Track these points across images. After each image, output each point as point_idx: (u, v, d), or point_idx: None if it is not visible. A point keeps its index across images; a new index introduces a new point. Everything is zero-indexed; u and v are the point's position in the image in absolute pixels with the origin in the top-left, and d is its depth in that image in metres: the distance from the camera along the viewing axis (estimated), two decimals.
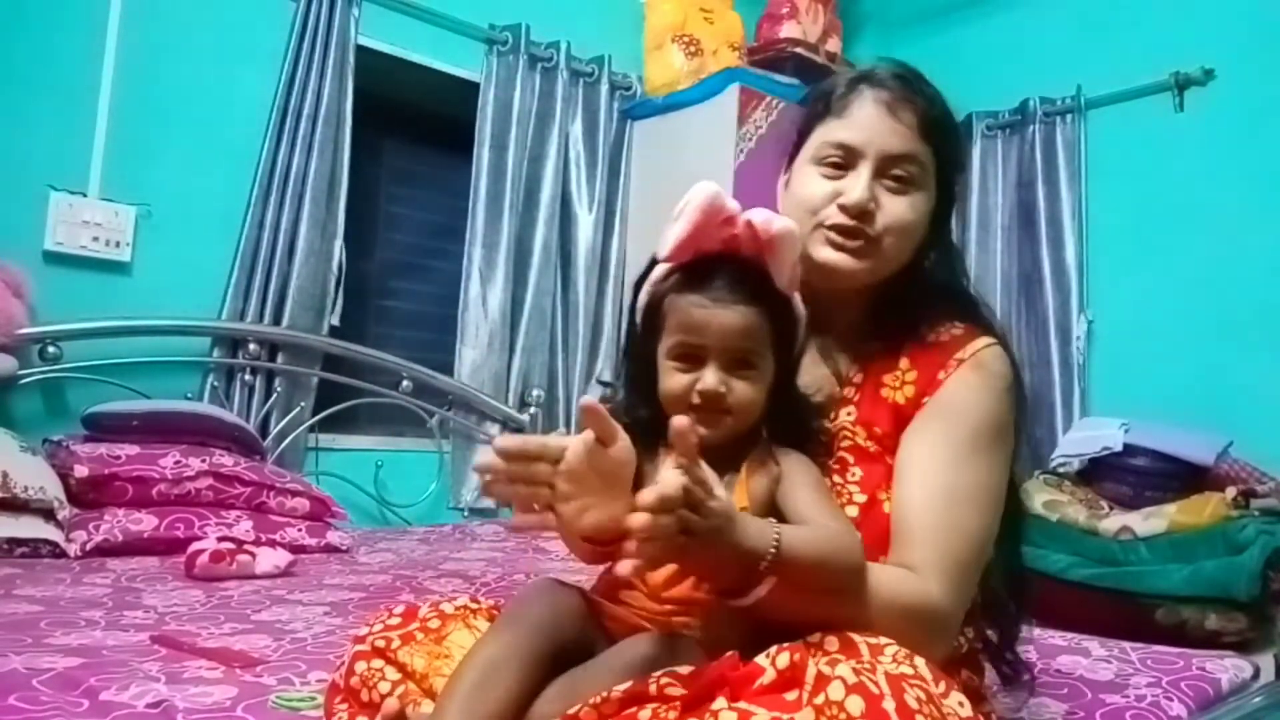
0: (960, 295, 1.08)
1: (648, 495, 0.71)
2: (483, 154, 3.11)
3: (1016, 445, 1.02)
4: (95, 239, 2.42)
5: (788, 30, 3.48)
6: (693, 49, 3.37)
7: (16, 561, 1.87)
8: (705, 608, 0.86)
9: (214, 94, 2.63)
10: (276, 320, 2.67)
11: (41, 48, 2.37)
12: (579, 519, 0.84)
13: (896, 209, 1.01)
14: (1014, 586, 1.07)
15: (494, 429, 3.08)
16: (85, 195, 2.42)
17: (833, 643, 0.79)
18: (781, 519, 0.88)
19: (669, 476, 0.74)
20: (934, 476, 0.94)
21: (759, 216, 0.90)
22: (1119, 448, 2.75)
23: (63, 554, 1.94)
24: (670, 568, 0.85)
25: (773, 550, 0.79)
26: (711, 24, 3.43)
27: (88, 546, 1.95)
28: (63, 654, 1.21)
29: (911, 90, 1.03)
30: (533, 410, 3.16)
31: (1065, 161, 3.39)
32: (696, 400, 0.90)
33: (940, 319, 1.04)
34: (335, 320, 2.81)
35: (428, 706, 0.84)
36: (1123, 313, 3.22)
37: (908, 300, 1.05)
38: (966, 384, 0.99)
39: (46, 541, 1.94)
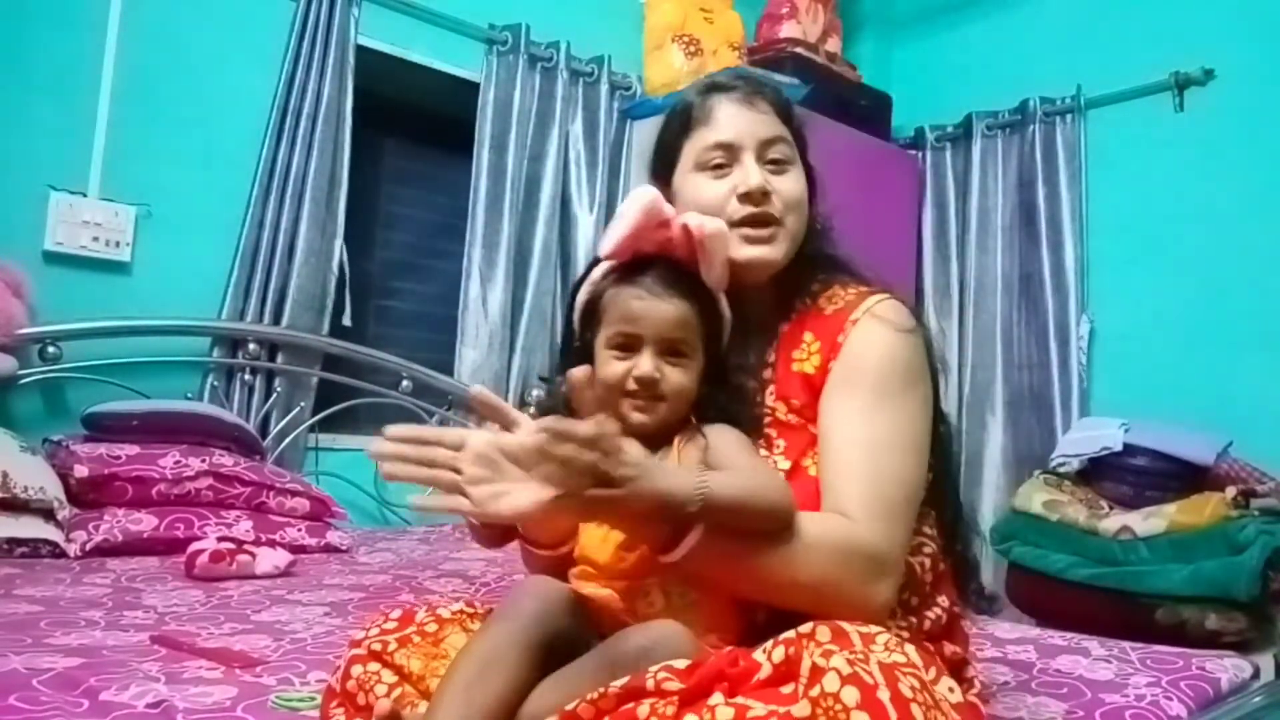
0: (842, 263, 1.15)
1: (551, 422, 0.79)
2: (483, 154, 3.11)
3: (934, 384, 1.06)
4: (95, 239, 2.41)
5: (787, 30, 3.49)
6: (693, 49, 3.37)
7: (16, 561, 1.87)
8: (658, 575, 0.91)
9: (214, 94, 2.63)
10: (276, 320, 2.67)
11: (41, 48, 2.37)
12: (495, 503, 0.85)
13: (787, 186, 1.08)
14: (955, 521, 1.11)
15: (494, 429, 3.07)
16: (85, 195, 2.41)
17: (824, 633, 0.79)
18: None
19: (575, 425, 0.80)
20: (850, 430, 0.98)
21: (693, 220, 0.98)
22: (1119, 448, 2.76)
23: (63, 554, 1.94)
24: (610, 544, 0.92)
25: (700, 491, 0.84)
26: (711, 24, 3.43)
27: (88, 546, 1.95)
28: (63, 654, 1.21)
29: (757, 83, 1.12)
30: (532, 410, 3.15)
31: (1065, 161, 3.39)
32: (632, 386, 0.96)
33: (833, 287, 1.10)
34: (346, 320, 2.81)
35: (424, 708, 0.85)
36: (1123, 313, 3.22)
37: (802, 276, 1.10)
38: (863, 338, 1.03)
39: (46, 541, 1.94)
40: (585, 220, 3.32)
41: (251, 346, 2.62)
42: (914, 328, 1.05)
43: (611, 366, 0.97)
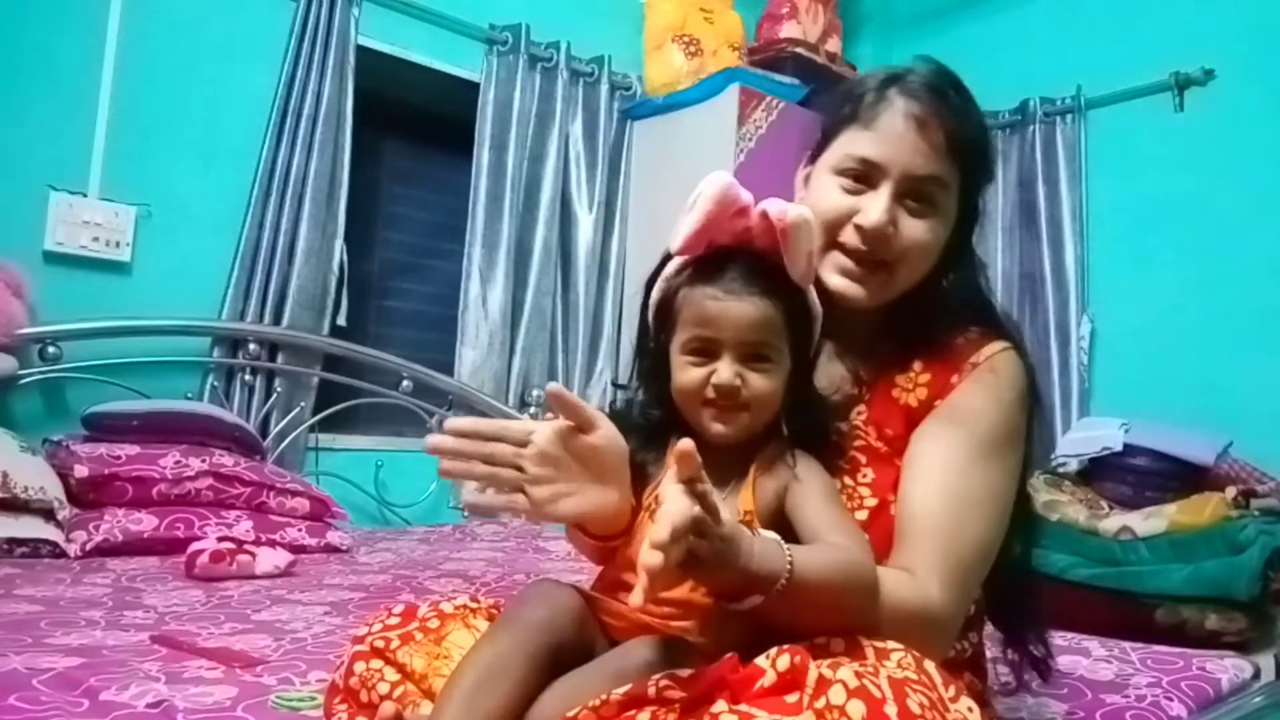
0: (976, 301, 1.06)
1: (660, 531, 0.69)
2: (483, 154, 3.11)
3: (1028, 451, 1.00)
4: (95, 239, 2.42)
5: (788, 30, 3.48)
6: (693, 49, 3.37)
7: (16, 561, 1.87)
8: (703, 610, 0.86)
9: (214, 94, 2.63)
10: (276, 320, 2.67)
11: (42, 48, 2.37)
12: (555, 505, 0.84)
13: (914, 232, 0.98)
14: (1025, 590, 1.06)
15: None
16: (85, 195, 2.41)
17: (839, 644, 0.78)
18: (789, 524, 0.87)
19: (677, 503, 0.71)
20: (942, 480, 0.93)
21: (774, 207, 0.87)
22: (1119, 448, 2.75)
23: (63, 554, 1.94)
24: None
25: (786, 578, 0.77)
26: (711, 24, 3.43)
27: (88, 546, 1.95)
28: (63, 654, 1.21)
29: (944, 104, 0.98)
30: (533, 410, 3.15)
31: (1065, 161, 3.39)
32: (711, 395, 0.89)
33: (956, 324, 1.02)
34: (342, 320, 2.81)
35: (427, 707, 0.84)
36: (1123, 313, 3.22)
37: (923, 312, 1.03)
38: (980, 388, 0.97)
39: (46, 541, 1.94)
40: (585, 220, 3.33)
41: (252, 346, 2.62)
42: (1027, 390, 0.99)
43: (688, 374, 0.90)
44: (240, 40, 2.68)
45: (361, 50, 2.86)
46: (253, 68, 2.68)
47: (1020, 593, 1.05)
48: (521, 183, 3.18)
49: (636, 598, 0.71)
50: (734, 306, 0.88)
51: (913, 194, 0.98)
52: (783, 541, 0.80)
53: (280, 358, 2.69)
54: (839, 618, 0.83)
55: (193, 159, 2.59)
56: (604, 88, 3.38)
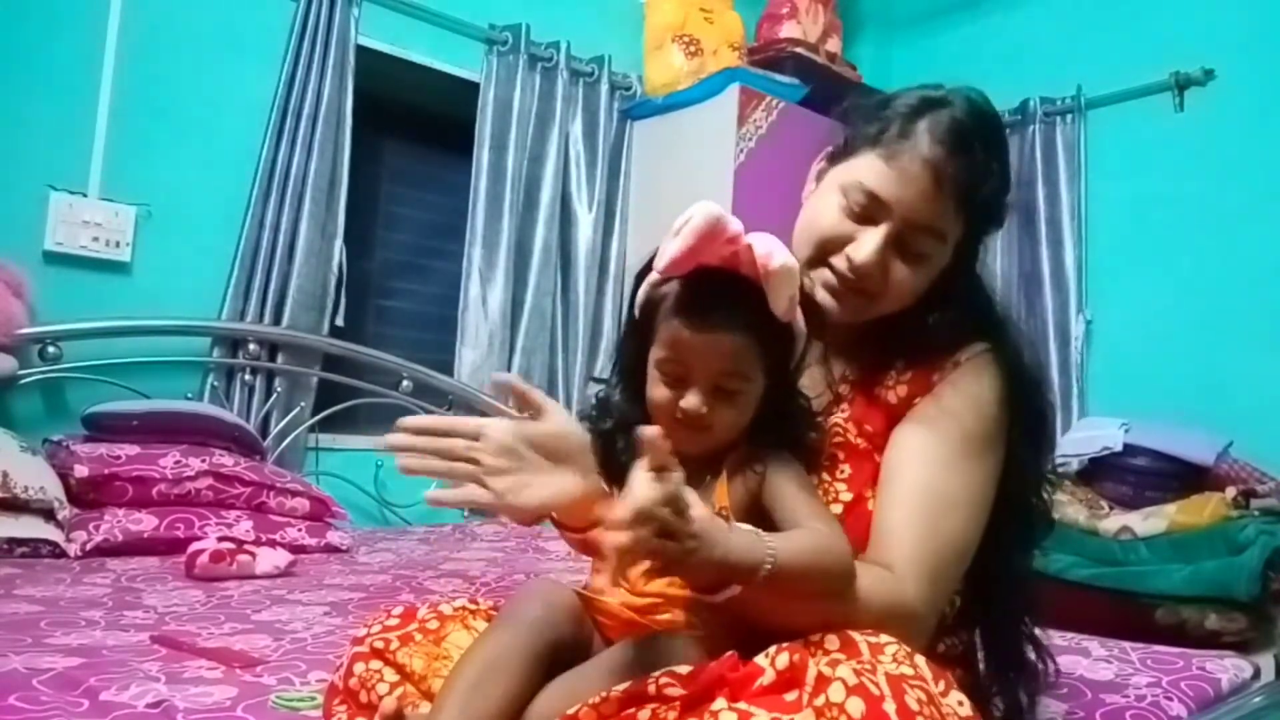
0: (976, 300, 1.05)
1: (620, 510, 0.71)
2: (483, 154, 3.10)
3: (1029, 453, 1.00)
4: (95, 239, 2.41)
5: (788, 30, 3.48)
6: (693, 49, 3.37)
7: (16, 561, 1.87)
8: (686, 601, 0.86)
9: (214, 94, 2.63)
10: (276, 320, 2.67)
11: (41, 48, 2.37)
12: (516, 495, 0.84)
13: (900, 275, 0.97)
14: (1021, 594, 1.05)
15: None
16: (85, 195, 2.41)
17: (833, 641, 0.79)
18: (766, 516, 0.88)
19: (641, 487, 0.72)
20: (920, 478, 0.94)
21: (760, 247, 0.86)
22: (1119, 448, 2.75)
23: (63, 554, 1.94)
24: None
25: (769, 565, 0.78)
26: (711, 24, 3.43)
27: (88, 546, 1.95)
28: (63, 654, 1.21)
29: (967, 156, 0.95)
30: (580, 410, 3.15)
31: (1065, 161, 3.39)
32: (679, 415, 0.89)
33: (942, 323, 1.01)
34: (340, 320, 2.81)
35: (426, 708, 0.84)
36: (1122, 313, 3.22)
37: (909, 324, 1.02)
38: (960, 388, 0.97)
39: (46, 541, 1.94)
40: (585, 220, 3.33)
41: (251, 346, 2.62)
42: (1009, 390, 0.98)
43: (659, 390, 0.91)
44: (240, 40, 2.67)
45: (361, 50, 2.86)
46: (253, 68, 2.68)
47: (1013, 598, 1.04)
48: (521, 183, 3.18)
49: (603, 580, 0.72)
50: (709, 341, 0.87)
51: (910, 239, 0.96)
52: (760, 532, 0.81)
53: (280, 358, 2.69)
54: (817, 605, 0.83)
55: (193, 159, 2.59)
56: (604, 88, 3.37)
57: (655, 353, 0.91)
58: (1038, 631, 1.06)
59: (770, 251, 0.86)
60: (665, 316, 0.90)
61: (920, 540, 0.91)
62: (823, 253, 0.99)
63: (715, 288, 0.88)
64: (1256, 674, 1.46)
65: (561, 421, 0.89)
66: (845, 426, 1.01)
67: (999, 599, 1.03)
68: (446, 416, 0.88)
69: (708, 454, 0.92)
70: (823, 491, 0.96)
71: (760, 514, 0.89)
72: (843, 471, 0.98)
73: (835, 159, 1.04)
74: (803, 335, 0.94)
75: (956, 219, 0.97)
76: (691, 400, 0.88)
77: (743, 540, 0.79)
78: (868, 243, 0.96)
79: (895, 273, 0.97)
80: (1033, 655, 1.05)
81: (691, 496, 0.76)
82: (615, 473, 0.93)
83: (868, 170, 0.97)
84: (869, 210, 0.97)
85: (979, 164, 0.96)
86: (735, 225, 0.87)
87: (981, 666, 1.05)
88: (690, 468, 0.80)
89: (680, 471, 0.75)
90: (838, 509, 0.96)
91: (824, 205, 1.00)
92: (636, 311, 0.95)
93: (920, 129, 0.96)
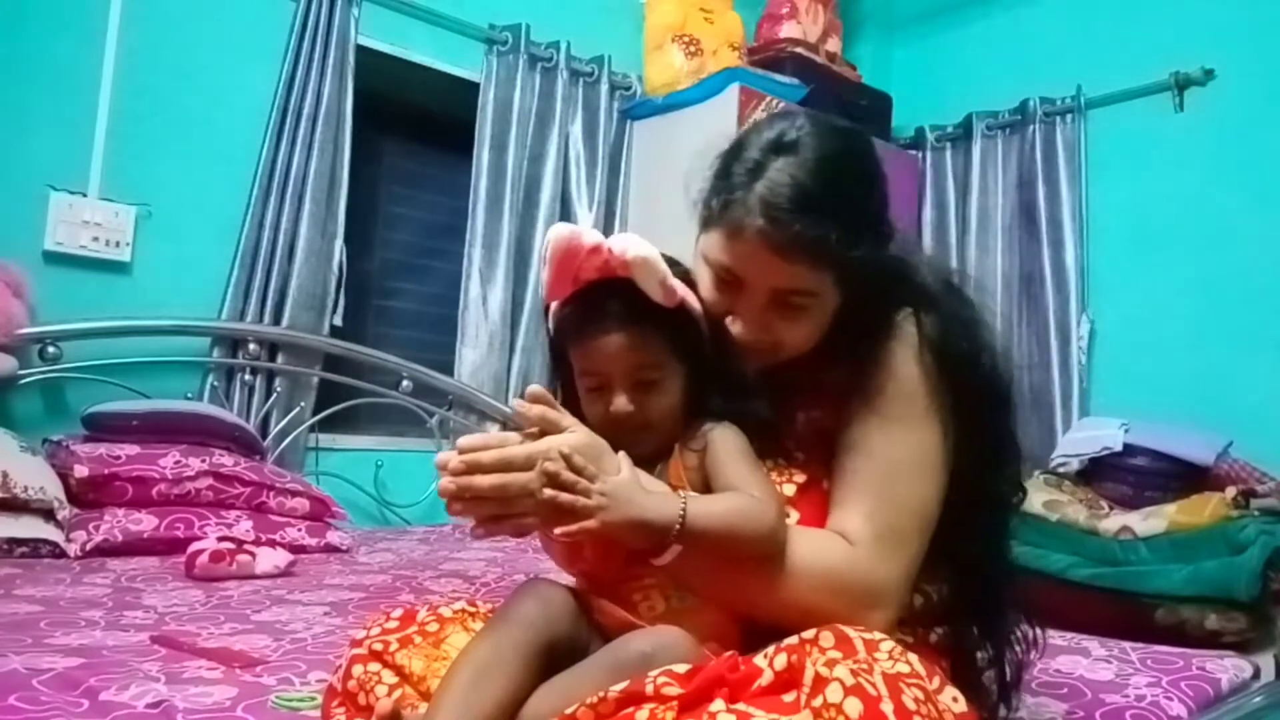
0: (893, 290, 1.01)
1: (446, 453, 0.82)
2: (483, 154, 3.10)
3: (965, 409, 0.97)
4: (95, 239, 2.41)
5: (788, 30, 3.48)
6: (693, 49, 3.37)
7: (16, 561, 1.87)
8: (662, 578, 0.90)
9: (214, 94, 2.63)
10: (276, 320, 2.67)
11: (41, 48, 2.37)
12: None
13: (790, 333, 0.97)
14: (1000, 586, 1.03)
15: (494, 429, 3.08)
16: (85, 195, 2.41)
17: (828, 639, 0.79)
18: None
19: (483, 435, 0.80)
20: (866, 447, 0.96)
21: (617, 245, 0.92)
22: (1119, 448, 2.75)
23: (63, 554, 1.94)
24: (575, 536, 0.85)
25: (679, 524, 0.83)
26: (711, 24, 3.43)
27: (88, 546, 1.95)
28: (63, 654, 1.21)
29: (809, 212, 0.90)
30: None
31: (1065, 161, 3.39)
32: (614, 420, 0.93)
33: (864, 314, 1.00)
34: (338, 320, 2.81)
35: (424, 710, 0.84)
36: (1123, 313, 3.22)
37: (833, 334, 1.01)
38: (884, 357, 0.97)
39: (46, 541, 1.94)
40: (585, 220, 3.32)
41: (251, 346, 2.62)
42: (927, 345, 0.97)
43: (590, 405, 0.96)
44: (240, 40, 2.67)
45: (361, 50, 2.86)
46: (253, 68, 2.68)
47: (992, 579, 1.03)
48: (521, 183, 3.18)
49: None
50: (609, 343, 0.93)
51: (781, 299, 0.95)
52: (683, 492, 0.87)
53: (280, 358, 2.69)
54: (749, 571, 0.87)
55: (193, 159, 2.59)
56: (604, 88, 3.37)
57: (576, 373, 0.97)
58: (1020, 617, 1.05)
59: (625, 248, 0.91)
60: (569, 337, 0.97)
61: (872, 508, 0.93)
62: (722, 318, 0.99)
63: (598, 296, 0.94)
64: (1256, 674, 1.46)
65: (587, 431, 0.90)
66: (799, 417, 1.03)
67: (971, 573, 1.02)
68: (496, 450, 0.86)
69: (663, 446, 0.96)
70: (775, 475, 0.98)
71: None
72: (797, 458, 1.01)
73: (702, 227, 1.01)
74: (700, 313, 0.97)
75: (813, 270, 0.93)
76: (618, 401, 0.94)
77: (658, 499, 0.86)
78: (743, 317, 0.97)
79: (782, 331, 0.98)
80: (1017, 635, 1.04)
81: (618, 461, 0.86)
82: None
83: (716, 247, 0.97)
84: (732, 282, 0.97)
85: (827, 214, 0.90)
86: (592, 237, 0.93)
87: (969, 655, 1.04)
88: (647, 455, 0.91)
89: (575, 433, 0.85)
90: (789, 490, 0.98)
91: (701, 275, 1.00)
92: (551, 346, 1.02)
93: (754, 198, 0.92)
